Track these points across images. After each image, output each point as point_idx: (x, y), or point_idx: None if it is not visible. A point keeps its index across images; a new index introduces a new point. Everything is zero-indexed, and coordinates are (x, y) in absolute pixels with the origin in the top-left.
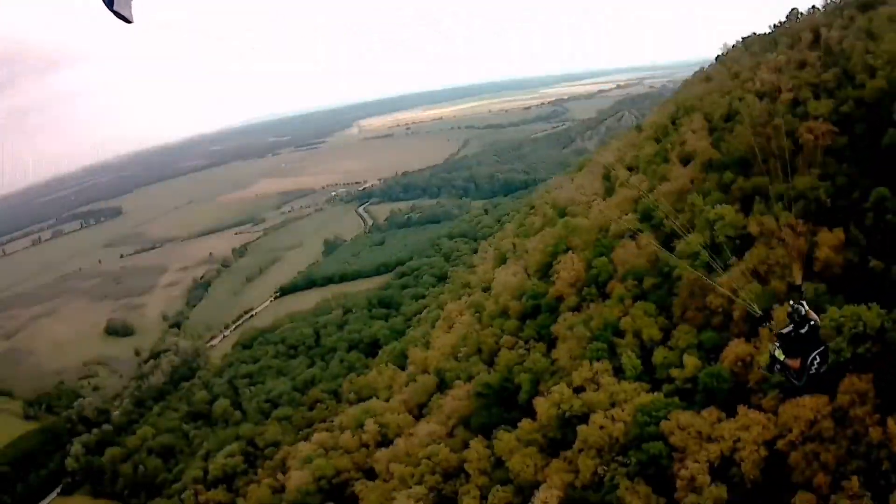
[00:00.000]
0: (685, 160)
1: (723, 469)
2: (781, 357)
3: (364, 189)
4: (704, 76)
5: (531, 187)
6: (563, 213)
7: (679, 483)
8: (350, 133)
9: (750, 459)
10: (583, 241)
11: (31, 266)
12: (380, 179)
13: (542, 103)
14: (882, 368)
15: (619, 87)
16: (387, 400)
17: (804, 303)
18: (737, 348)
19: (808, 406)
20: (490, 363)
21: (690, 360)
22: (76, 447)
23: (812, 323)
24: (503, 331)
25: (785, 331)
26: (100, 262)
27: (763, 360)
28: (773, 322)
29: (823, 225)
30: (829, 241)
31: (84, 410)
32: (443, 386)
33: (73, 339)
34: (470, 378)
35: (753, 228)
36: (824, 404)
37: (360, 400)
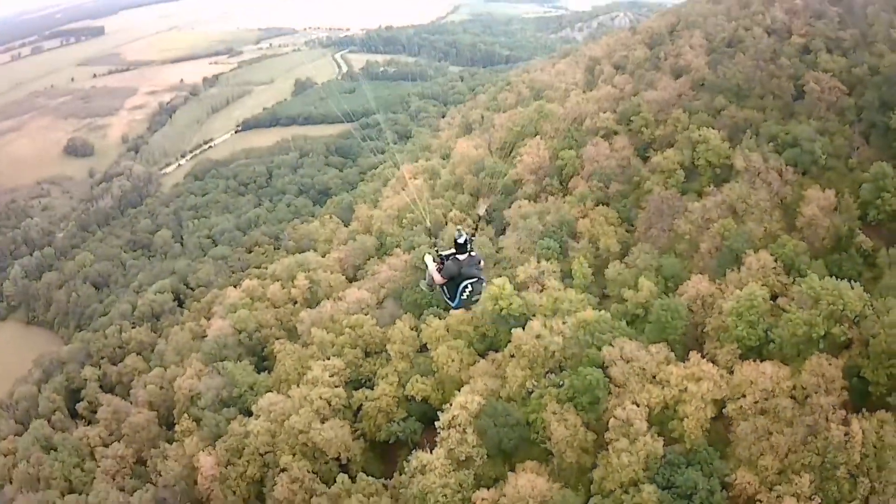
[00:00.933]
0: (677, 73)
1: (662, 420)
2: (428, 266)
3: (345, 37)
4: None
5: (512, 64)
6: (538, 96)
7: (612, 422)
8: None
9: (694, 417)
10: (553, 129)
11: (4, 82)
12: (362, 29)
13: None
14: (854, 359)
15: None
16: (324, 255)
17: (474, 238)
18: (699, 285)
19: (767, 374)
20: (434, 235)
21: (646, 285)
22: (15, 270)
23: (473, 254)
24: (453, 204)
25: (447, 252)
26: (72, 80)
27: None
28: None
29: (813, 181)
30: (817, 199)
31: (30, 231)
32: (382, 250)
33: (33, 157)
34: (411, 249)
35: (738, 162)
36: (786, 377)
37: (298, 249)
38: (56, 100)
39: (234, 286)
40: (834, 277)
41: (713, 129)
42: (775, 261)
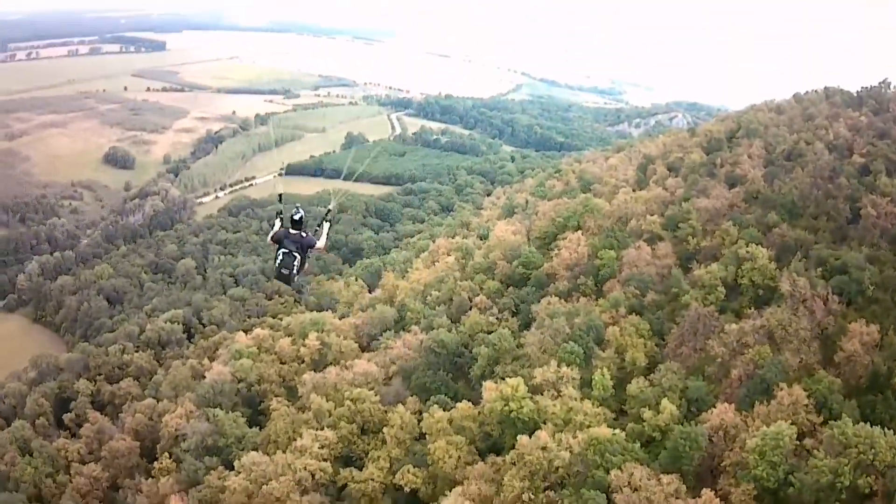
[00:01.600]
0: (731, 182)
1: None
2: (274, 226)
3: (403, 98)
4: (775, 106)
5: (565, 151)
6: (586, 188)
7: None
8: (413, 39)
9: None
10: (596, 225)
11: (58, 76)
12: (422, 94)
13: (604, 77)
14: None
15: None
16: (342, 318)
17: (302, 213)
18: (724, 414)
19: None
20: (456, 319)
21: (669, 407)
22: (32, 266)
23: (301, 234)
24: (482, 289)
25: (279, 232)
26: (125, 88)
27: None
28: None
29: (859, 313)
30: (859, 333)
31: (54, 230)
32: (401, 324)
33: (71, 157)
34: (430, 329)
35: (784, 286)
36: None
37: (318, 306)
38: (105, 105)
39: (245, 332)
40: (867, 421)
41: (762, 246)
42: (808, 397)
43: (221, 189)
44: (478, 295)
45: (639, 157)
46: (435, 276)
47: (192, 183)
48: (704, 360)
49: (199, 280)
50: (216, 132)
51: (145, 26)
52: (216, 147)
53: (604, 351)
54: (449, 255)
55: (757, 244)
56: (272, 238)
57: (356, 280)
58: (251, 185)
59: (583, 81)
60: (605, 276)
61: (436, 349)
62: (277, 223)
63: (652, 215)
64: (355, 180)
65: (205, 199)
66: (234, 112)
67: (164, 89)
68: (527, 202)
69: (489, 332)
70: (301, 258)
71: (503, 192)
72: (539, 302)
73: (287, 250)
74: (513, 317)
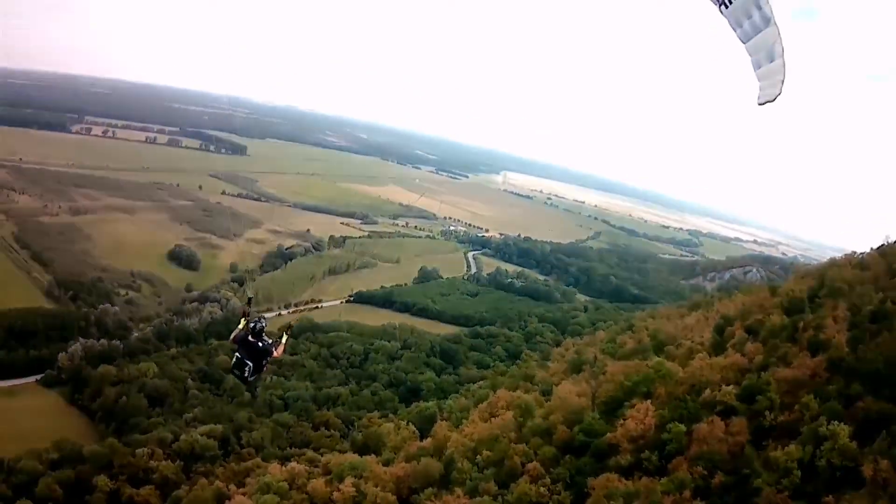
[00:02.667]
0: (814, 348)
1: None
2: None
3: (482, 236)
4: (857, 262)
5: (638, 304)
6: (658, 349)
7: None
8: (494, 179)
9: None
10: (667, 393)
11: (133, 160)
12: (500, 234)
13: (681, 228)
14: None
15: (755, 241)
16: (386, 463)
17: (265, 324)
18: None
19: None
20: (504, 485)
21: None
22: (76, 348)
23: (257, 344)
24: (536, 454)
25: (241, 333)
26: (200, 187)
27: None
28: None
29: None
30: None
31: (105, 316)
32: (445, 482)
33: (136, 246)
34: (475, 492)
35: (867, 469)
36: None
37: (364, 447)
38: (178, 200)
39: (281, 462)
40: None
41: (843, 422)
42: None
43: (286, 307)
44: (531, 461)
45: (716, 316)
46: (489, 432)
47: (256, 296)
48: None
49: (247, 397)
50: (288, 248)
51: (228, 127)
52: (285, 263)
53: None
54: (508, 409)
55: (838, 420)
56: (232, 339)
57: (407, 425)
58: (317, 307)
59: (660, 232)
60: (673, 452)
61: None
62: (242, 323)
63: (728, 385)
64: (423, 317)
65: (267, 315)
66: (308, 230)
67: (240, 195)
68: (595, 358)
69: None
70: (255, 365)
71: (572, 343)
72: (597, 476)
73: (240, 356)
74: (566, 490)
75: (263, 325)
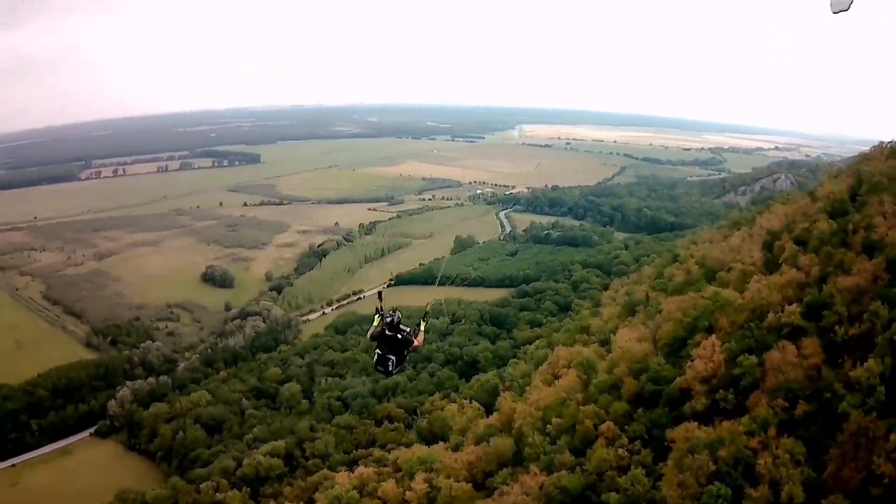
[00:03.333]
0: (869, 250)
1: None
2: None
3: (510, 194)
4: (889, 152)
5: (676, 232)
6: (710, 276)
7: None
8: (510, 135)
9: None
10: (730, 324)
11: (148, 192)
12: (528, 188)
13: (702, 148)
14: None
15: (777, 148)
16: (456, 448)
17: (399, 316)
18: None
19: None
20: (580, 452)
21: None
22: (124, 392)
23: (396, 336)
24: (608, 412)
25: (377, 329)
26: (220, 204)
27: None
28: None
29: None
30: None
31: (149, 354)
32: (518, 459)
33: (166, 277)
34: (551, 466)
35: None
36: None
37: (430, 434)
38: (200, 222)
39: (349, 468)
40: None
41: None
42: None
43: (328, 305)
44: (604, 421)
45: (761, 232)
46: (555, 396)
47: (296, 300)
48: (871, 482)
49: (305, 404)
50: (319, 245)
51: (237, 139)
52: (320, 261)
53: (755, 489)
54: (569, 368)
55: None
56: (370, 336)
57: (471, 402)
58: (359, 298)
59: (683, 156)
60: (748, 387)
61: (556, 496)
62: (377, 319)
63: (791, 304)
64: (468, 285)
65: (311, 317)
66: (336, 223)
67: (262, 203)
68: (647, 297)
69: (620, 468)
70: (397, 358)
71: (621, 284)
72: (674, 427)
73: (381, 352)
74: (645, 447)
75: (398, 317)
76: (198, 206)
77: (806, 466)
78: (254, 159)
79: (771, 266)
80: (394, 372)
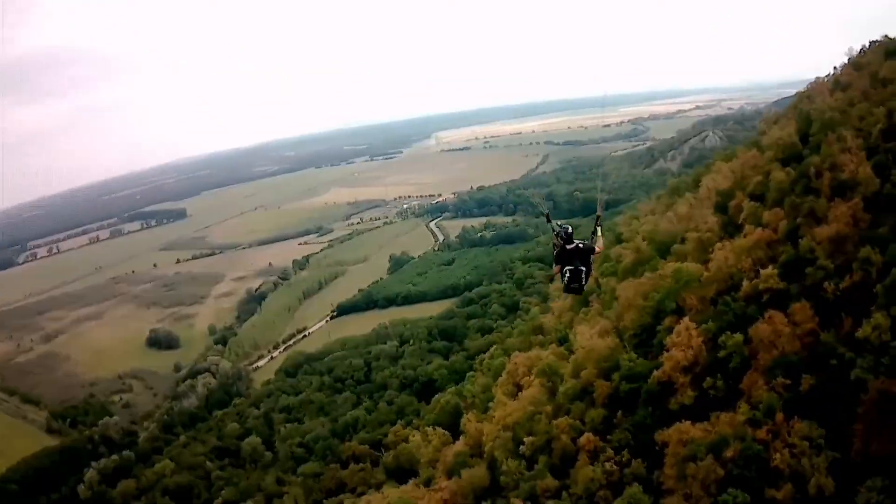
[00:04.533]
0: (840, 191)
1: None
2: (555, 255)
3: (437, 202)
4: (833, 82)
5: (613, 209)
6: (663, 252)
7: None
8: (427, 145)
9: None
10: (700, 301)
11: (84, 266)
12: (454, 193)
13: (622, 122)
14: None
15: (698, 107)
16: (427, 483)
17: (570, 228)
18: None
19: None
20: (562, 472)
21: None
22: (91, 474)
23: (578, 245)
24: (584, 422)
25: (558, 250)
26: (155, 265)
27: None
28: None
29: None
30: None
31: (108, 430)
32: (496, 488)
33: (113, 348)
34: (532, 495)
35: None
36: None
37: (399, 470)
38: (138, 286)
39: None
40: None
41: None
42: None
43: (275, 348)
44: (582, 432)
45: (710, 195)
46: (523, 411)
47: (243, 349)
48: None
49: (268, 456)
50: (257, 289)
51: (162, 197)
52: (260, 305)
53: (777, 489)
54: (531, 376)
55: None
56: (556, 256)
57: (434, 429)
58: (304, 336)
59: (604, 133)
60: (739, 369)
61: None
62: (555, 239)
63: (765, 267)
64: (410, 304)
65: (260, 363)
66: (270, 264)
67: (195, 257)
68: (598, 284)
69: (612, 486)
70: (587, 268)
71: None
72: (662, 427)
73: (573, 266)
74: (635, 457)
75: (569, 229)
76: (133, 272)
77: (828, 450)
78: (180, 215)
79: (730, 229)
80: (585, 285)
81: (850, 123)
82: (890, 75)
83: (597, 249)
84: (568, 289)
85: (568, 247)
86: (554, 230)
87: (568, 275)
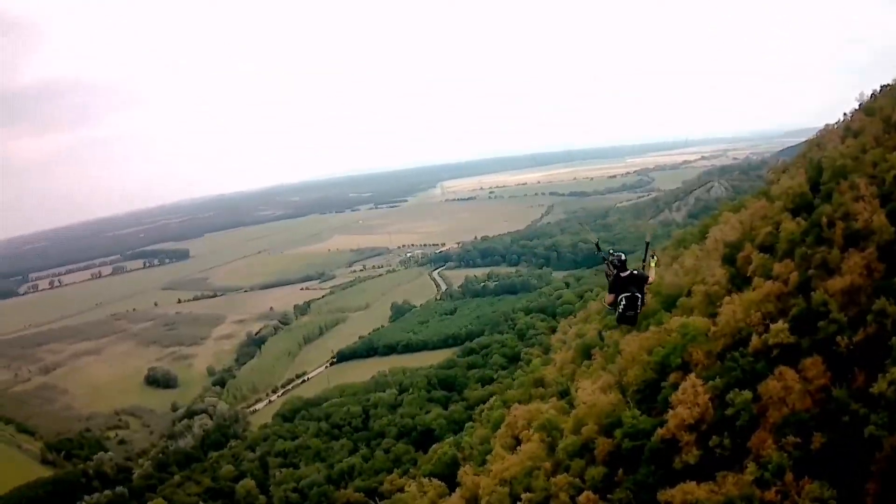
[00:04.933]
0: (853, 241)
1: None
2: (609, 285)
3: (441, 252)
4: (844, 128)
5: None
6: (669, 305)
7: None
8: (433, 193)
9: None
10: (706, 356)
11: (85, 300)
12: (458, 243)
13: (628, 172)
14: None
15: (703, 157)
16: None
17: (623, 255)
18: None
19: None
20: None
21: None
22: None
23: (632, 273)
24: (584, 480)
25: (611, 279)
26: (155, 304)
27: None
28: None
29: None
30: None
31: (103, 465)
32: None
33: (111, 384)
34: None
35: None
36: None
37: None
38: (138, 324)
39: None
40: None
41: None
42: None
43: (273, 392)
44: (581, 491)
45: (718, 247)
46: (521, 466)
47: (240, 392)
48: None
49: (262, 500)
50: (257, 333)
51: (166, 237)
52: (259, 349)
53: None
54: (530, 429)
55: None
56: (611, 285)
57: (430, 480)
58: (303, 381)
59: (610, 184)
60: (746, 427)
61: None
62: (607, 269)
63: (775, 321)
64: (411, 352)
65: (258, 406)
66: (271, 308)
67: (196, 298)
68: (601, 337)
69: None
70: (642, 297)
71: (569, 325)
72: (665, 487)
73: (629, 293)
74: None
75: (622, 256)
76: (133, 309)
77: None
78: (183, 255)
79: (738, 282)
80: (639, 312)
81: (863, 170)
82: None
83: (650, 279)
84: (623, 318)
85: (622, 274)
86: (606, 259)
87: (624, 302)
